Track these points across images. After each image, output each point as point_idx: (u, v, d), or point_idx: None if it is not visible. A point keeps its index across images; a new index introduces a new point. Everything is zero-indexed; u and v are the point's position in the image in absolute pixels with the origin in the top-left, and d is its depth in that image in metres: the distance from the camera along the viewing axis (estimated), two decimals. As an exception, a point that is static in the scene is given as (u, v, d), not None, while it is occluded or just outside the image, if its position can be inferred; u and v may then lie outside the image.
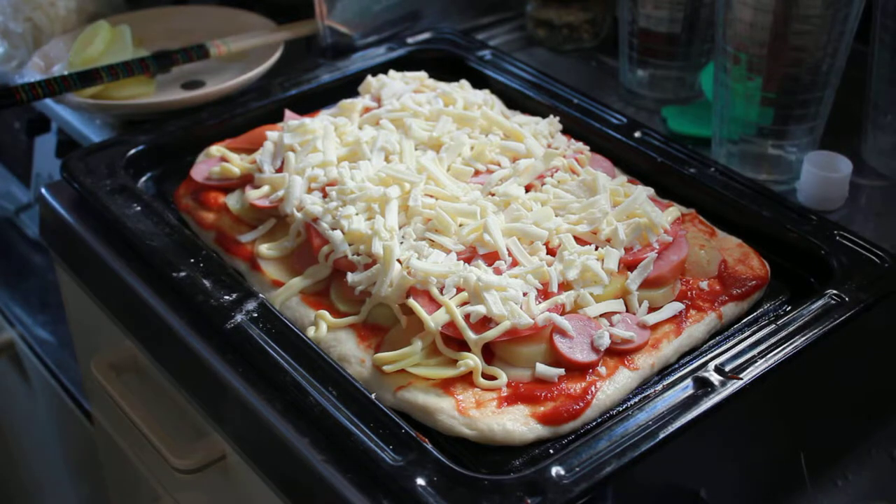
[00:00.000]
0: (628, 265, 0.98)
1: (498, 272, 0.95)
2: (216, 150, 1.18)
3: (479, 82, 1.32)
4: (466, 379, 0.89)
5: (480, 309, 0.90)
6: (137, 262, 1.05)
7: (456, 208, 1.01)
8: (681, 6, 1.34)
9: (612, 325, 0.94)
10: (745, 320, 1.00)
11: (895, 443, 1.06)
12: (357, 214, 1.00)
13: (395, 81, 1.25)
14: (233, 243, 1.06)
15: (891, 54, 1.19)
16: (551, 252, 0.99)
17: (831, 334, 0.94)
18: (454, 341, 0.91)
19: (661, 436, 0.83)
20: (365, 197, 1.01)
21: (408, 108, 1.19)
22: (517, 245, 0.98)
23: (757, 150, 1.22)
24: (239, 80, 1.33)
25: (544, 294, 0.94)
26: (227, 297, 0.96)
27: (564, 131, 1.20)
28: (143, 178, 1.19)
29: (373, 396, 0.87)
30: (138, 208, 1.08)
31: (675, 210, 1.07)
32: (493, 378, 0.89)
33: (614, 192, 1.06)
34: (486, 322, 0.90)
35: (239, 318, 0.94)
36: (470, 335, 0.89)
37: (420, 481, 0.78)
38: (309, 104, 1.28)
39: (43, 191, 1.19)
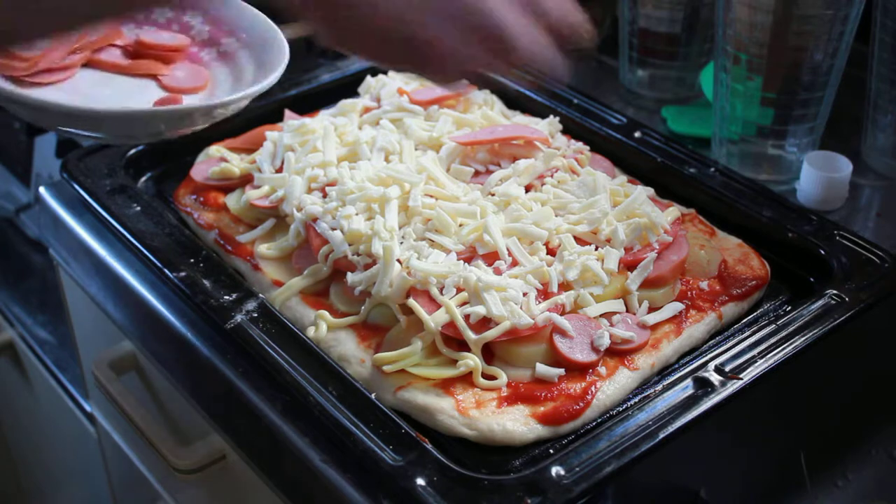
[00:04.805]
0: (628, 265, 0.98)
1: (498, 272, 0.95)
2: (216, 150, 1.18)
3: (479, 82, 1.31)
4: (466, 379, 0.89)
5: (480, 309, 0.90)
6: (137, 262, 1.05)
7: (456, 208, 1.01)
8: (681, 6, 1.34)
9: (612, 325, 0.94)
10: (745, 320, 1.00)
11: (895, 443, 1.06)
12: (357, 214, 1.00)
13: (395, 81, 1.25)
14: (233, 243, 1.06)
15: (891, 54, 1.19)
16: (551, 252, 0.99)
17: (831, 334, 0.94)
18: (454, 341, 0.91)
19: (661, 436, 0.83)
20: (365, 197, 1.01)
21: (407, 109, 1.19)
22: (517, 245, 0.98)
23: (757, 150, 1.22)
24: (239, 80, 1.33)
25: (544, 294, 0.94)
26: (227, 297, 0.96)
27: (564, 131, 1.20)
28: (143, 179, 1.19)
29: (373, 396, 0.87)
30: (138, 208, 1.08)
31: (675, 210, 1.07)
32: (493, 378, 0.89)
33: (614, 192, 1.06)
34: (486, 322, 0.90)
35: (239, 318, 0.94)
36: (470, 335, 0.89)
37: (420, 481, 0.78)
38: (309, 104, 1.28)
39: (42, 191, 1.19)
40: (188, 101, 0.97)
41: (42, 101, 0.88)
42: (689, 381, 0.88)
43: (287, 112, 1.23)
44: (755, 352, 0.91)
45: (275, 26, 1.02)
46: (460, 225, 1.01)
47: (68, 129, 0.91)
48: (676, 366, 0.94)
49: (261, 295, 0.98)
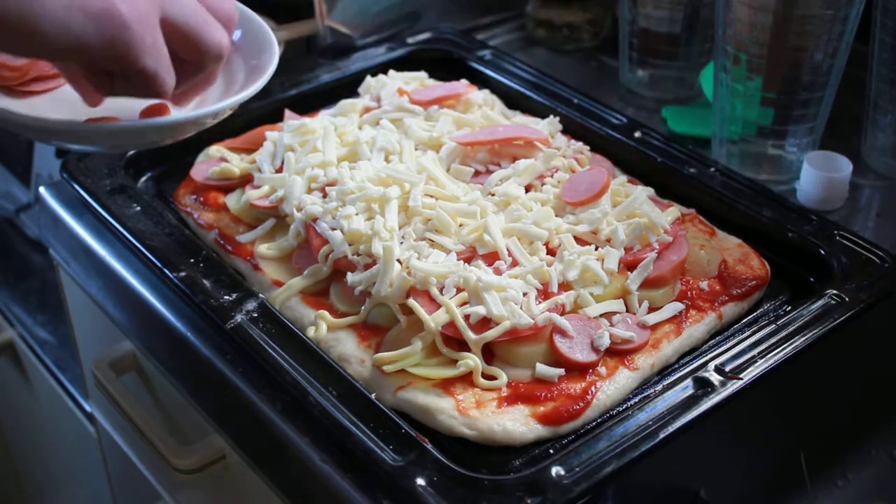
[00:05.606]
0: (628, 265, 0.98)
1: (498, 272, 0.95)
2: (216, 150, 1.18)
3: (479, 82, 1.32)
4: (466, 379, 0.89)
5: (480, 309, 0.90)
6: (137, 262, 1.05)
7: (456, 208, 1.01)
8: (681, 6, 1.34)
9: (612, 325, 0.94)
10: (745, 320, 1.00)
11: (895, 443, 1.06)
12: (357, 214, 1.00)
13: (395, 81, 1.25)
14: (233, 243, 1.06)
15: (891, 54, 1.19)
16: (551, 252, 0.99)
17: (831, 334, 0.94)
18: (454, 341, 0.91)
19: (661, 436, 0.83)
20: (365, 197, 1.01)
21: (407, 109, 1.19)
22: (517, 245, 0.98)
23: (757, 150, 1.22)
24: (239, 80, 1.33)
25: (544, 294, 0.94)
26: (227, 297, 0.96)
27: (564, 131, 1.20)
28: (143, 178, 1.19)
29: (373, 396, 0.87)
30: (138, 208, 1.08)
31: (675, 210, 1.07)
32: (493, 378, 0.89)
33: (614, 192, 1.06)
34: (486, 322, 0.90)
35: (239, 318, 0.94)
36: (470, 335, 0.89)
37: (420, 481, 0.78)
38: (309, 104, 1.28)
39: (42, 191, 1.19)
40: (176, 114, 0.94)
41: (34, 118, 0.87)
42: (689, 381, 0.88)
43: (287, 112, 1.23)
44: (755, 352, 0.91)
45: (268, 28, 1.00)
46: (460, 225, 1.01)
47: (61, 144, 0.89)
48: (676, 366, 0.94)
49: (261, 295, 0.98)
